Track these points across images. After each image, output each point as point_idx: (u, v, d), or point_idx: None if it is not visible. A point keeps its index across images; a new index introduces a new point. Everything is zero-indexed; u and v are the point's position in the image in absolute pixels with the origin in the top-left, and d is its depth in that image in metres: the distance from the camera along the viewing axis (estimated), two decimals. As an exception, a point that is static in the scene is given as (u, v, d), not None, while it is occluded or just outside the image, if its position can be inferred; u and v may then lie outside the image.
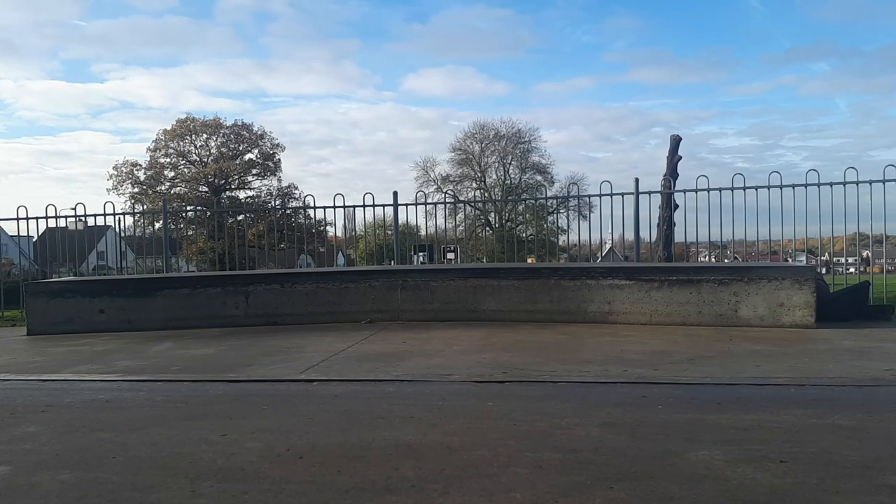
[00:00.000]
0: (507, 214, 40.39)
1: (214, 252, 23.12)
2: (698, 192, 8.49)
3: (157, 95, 69.90)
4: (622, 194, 8.74)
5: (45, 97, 70.98)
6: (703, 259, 11.27)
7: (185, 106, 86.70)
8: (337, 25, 79.56)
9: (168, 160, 42.13)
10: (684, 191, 8.96)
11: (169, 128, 41.93)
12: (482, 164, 45.79)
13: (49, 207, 9.11)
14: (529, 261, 12.90)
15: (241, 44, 74.15)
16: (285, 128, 76.22)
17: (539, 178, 44.41)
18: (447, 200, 14.15)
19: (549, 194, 24.81)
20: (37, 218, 9.22)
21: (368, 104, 79.38)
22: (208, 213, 15.82)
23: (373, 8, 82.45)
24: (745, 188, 8.31)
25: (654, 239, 9.91)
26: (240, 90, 78.55)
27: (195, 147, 42.33)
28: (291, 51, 78.30)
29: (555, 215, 28.14)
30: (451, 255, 12.27)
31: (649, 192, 9.03)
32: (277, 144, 43.22)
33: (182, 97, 69.74)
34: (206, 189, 40.03)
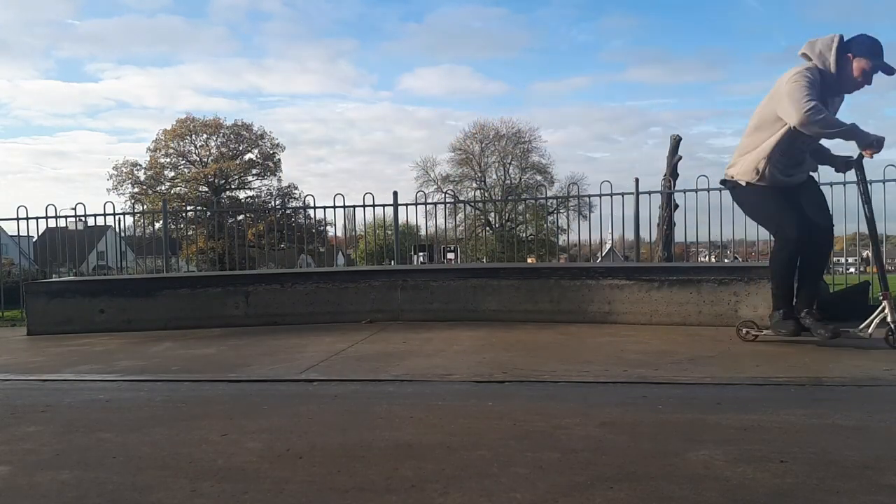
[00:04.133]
0: (507, 214, 40.37)
1: (214, 252, 23.12)
2: (698, 192, 8.49)
3: (152, 95, 70.00)
4: (622, 194, 8.74)
5: (40, 97, 71.09)
6: (703, 259, 11.27)
7: (180, 105, 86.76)
8: (332, 24, 79.62)
9: (168, 160, 42.18)
10: (684, 191, 8.96)
11: (168, 127, 41.98)
12: (482, 164, 45.81)
13: (49, 207, 9.12)
14: (529, 261, 12.89)
15: (235, 43, 74.19)
16: (282, 127, 76.27)
17: (539, 178, 44.44)
18: (447, 200, 14.14)
19: (549, 194, 24.78)
20: (37, 218, 9.22)
21: (365, 104, 79.43)
22: (208, 213, 15.81)
23: (367, 7, 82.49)
24: (745, 188, 8.28)
25: (654, 239, 9.91)
26: (235, 89, 78.61)
27: (195, 147, 42.35)
28: (286, 50, 78.36)
29: (555, 215, 28.11)
30: (451, 255, 12.28)
31: (649, 192, 9.04)
32: (277, 144, 43.29)
33: (178, 97, 69.81)
34: (207, 189, 40.04)
